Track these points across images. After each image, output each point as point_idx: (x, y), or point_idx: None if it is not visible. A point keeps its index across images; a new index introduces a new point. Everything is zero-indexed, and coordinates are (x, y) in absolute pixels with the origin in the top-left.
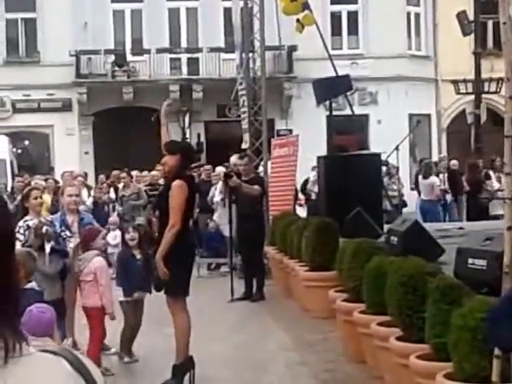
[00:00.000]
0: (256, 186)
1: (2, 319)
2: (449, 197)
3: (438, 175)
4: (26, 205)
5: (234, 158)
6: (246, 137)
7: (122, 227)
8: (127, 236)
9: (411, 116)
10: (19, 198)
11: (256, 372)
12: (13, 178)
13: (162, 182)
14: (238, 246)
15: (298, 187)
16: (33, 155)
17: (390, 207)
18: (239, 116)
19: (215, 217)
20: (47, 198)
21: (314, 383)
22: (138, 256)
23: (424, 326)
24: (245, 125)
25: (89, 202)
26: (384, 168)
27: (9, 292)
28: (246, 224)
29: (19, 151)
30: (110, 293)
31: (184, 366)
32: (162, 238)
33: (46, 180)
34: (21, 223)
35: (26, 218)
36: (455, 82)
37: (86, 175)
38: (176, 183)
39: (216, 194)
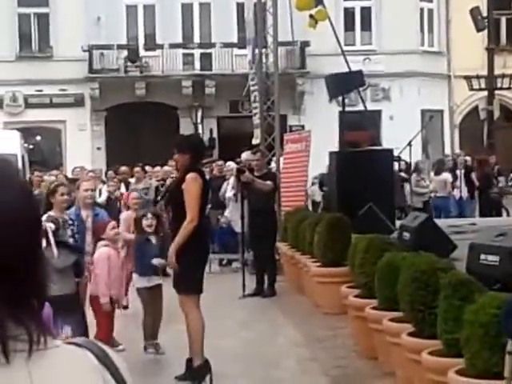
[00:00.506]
0: (268, 182)
1: (26, 312)
2: (464, 193)
3: (451, 171)
4: (51, 200)
5: (245, 154)
6: (257, 132)
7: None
8: (145, 222)
9: (424, 112)
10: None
11: (266, 368)
12: (24, 173)
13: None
14: (250, 242)
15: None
16: (44, 150)
17: (419, 204)
18: (251, 111)
19: (227, 212)
20: None
21: (324, 379)
22: (154, 241)
23: (436, 321)
24: (256, 120)
25: (103, 197)
26: (413, 164)
27: (35, 284)
28: (258, 219)
29: (31, 146)
30: (108, 284)
31: (202, 369)
32: (175, 233)
33: (56, 176)
34: (44, 218)
35: (50, 213)
36: (468, 78)
37: (101, 171)
38: (190, 175)
39: (228, 189)
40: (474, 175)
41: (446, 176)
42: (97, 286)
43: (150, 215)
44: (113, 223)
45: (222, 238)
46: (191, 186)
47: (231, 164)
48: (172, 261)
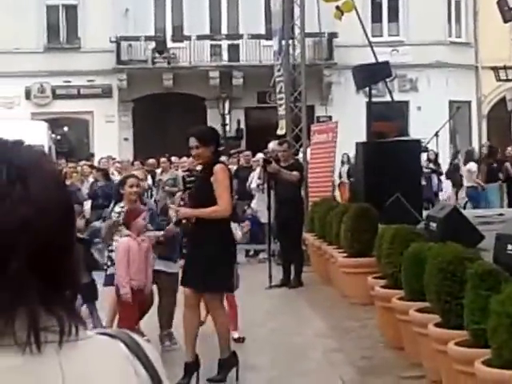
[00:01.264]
0: (295, 172)
1: (59, 302)
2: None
3: (477, 162)
4: (121, 191)
5: (272, 144)
6: (283, 123)
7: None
8: (171, 212)
9: (451, 103)
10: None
11: (293, 358)
12: None
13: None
14: (276, 233)
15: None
16: (72, 141)
17: None
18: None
19: (253, 203)
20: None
21: (351, 370)
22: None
23: (463, 312)
24: (282, 111)
25: None
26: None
27: (68, 274)
28: (285, 210)
29: (58, 137)
30: (127, 274)
31: (229, 361)
32: (199, 230)
33: (81, 166)
34: (117, 208)
35: (121, 204)
36: (495, 69)
37: (128, 162)
38: (220, 166)
39: (254, 179)
40: (509, 165)
41: (470, 166)
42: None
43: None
44: (144, 214)
45: (249, 229)
46: (222, 176)
47: (259, 156)
48: (185, 210)
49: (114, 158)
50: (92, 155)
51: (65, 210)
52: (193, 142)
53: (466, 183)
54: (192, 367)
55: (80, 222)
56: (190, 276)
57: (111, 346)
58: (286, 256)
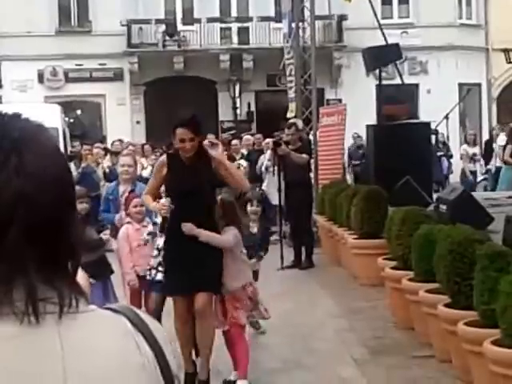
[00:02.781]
0: (304, 155)
1: (59, 274)
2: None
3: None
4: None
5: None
6: (292, 106)
7: None
8: None
9: (461, 85)
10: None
11: (305, 338)
12: (65, 147)
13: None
14: (287, 214)
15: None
16: (85, 124)
17: None
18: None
19: (264, 185)
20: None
21: (362, 350)
22: None
23: (472, 292)
24: (291, 94)
25: (148, 170)
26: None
27: (68, 247)
28: (294, 192)
29: (71, 120)
30: (130, 261)
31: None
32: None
33: (95, 148)
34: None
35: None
36: (506, 51)
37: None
38: (219, 150)
39: (265, 162)
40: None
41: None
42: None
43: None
44: (136, 201)
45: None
46: (225, 157)
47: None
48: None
49: (122, 141)
50: (104, 137)
51: (62, 182)
52: (186, 133)
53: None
54: (192, 377)
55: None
56: (199, 280)
57: (113, 321)
58: (297, 238)
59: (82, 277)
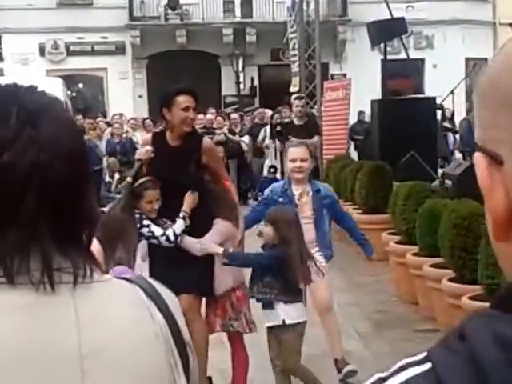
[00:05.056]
0: (315, 138)
1: (73, 245)
2: None
3: None
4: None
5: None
6: (296, 80)
7: None
8: None
9: (468, 60)
10: None
11: (309, 312)
12: None
13: (215, 126)
14: None
15: None
16: (87, 98)
17: None
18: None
19: (267, 160)
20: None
21: (366, 324)
22: None
23: (477, 267)
24: (294, 68)
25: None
26: None
27: (83, 218)
28: None
29: (73, 94)
30: None
31: None
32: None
33: (96, 123)
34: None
35: None
36: None
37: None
38: (212, 143)
39: (267, 137)
40: None
41: None
42: None
43: None
44: None
45: (266, 187)
46: (218, 152)
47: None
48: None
49: (122, 115)
50: (104, 112)
51: (77, 153)
52: (190, 101)
53: None
54: None
55: None
56: (183, 280)
57: (127, 290)
58: None
59: (95, 246)
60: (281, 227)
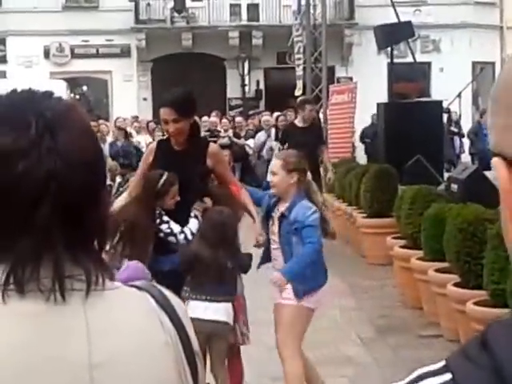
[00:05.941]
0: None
1: (85, 252)
2: None
3: None
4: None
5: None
6: (300, 84)
7: None
8: None
9: (475, 64)
10: None
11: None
12: None
13: (219, 128)
14: None
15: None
16: (91, 101)
17: None
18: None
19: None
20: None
21: (369, 328)
22: None
23: (482, 272)
24: (299, 72)
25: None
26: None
27: (96, 225)
28: None
29: (77, 97)
30: None
31: None
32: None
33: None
34: None
35: None
36: None
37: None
38: (218, 147)
39: (273, 144)
40: None
41: None
42: None
43: None
44: None
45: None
46: (224, 158)
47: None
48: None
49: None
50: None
51: (93, 162)
52: (169, 114)
53: None
54: None
55: None
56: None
57: (138, 298)
58: None
59: None
60: (209, 222)
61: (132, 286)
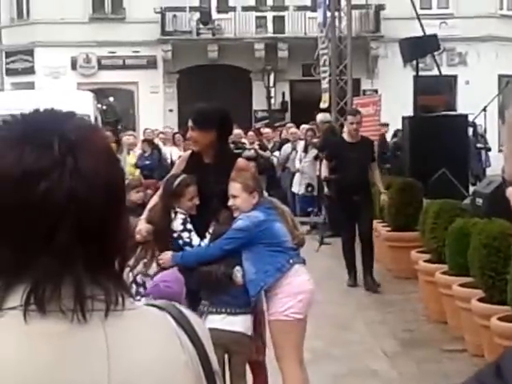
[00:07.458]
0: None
1: (105, 273)
2: None
3: None
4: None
5: (321, 115)
6: (326, 96)
7: None
8: None
9: (501, 77)
10: None
11: (336, 329)
12: None
13: (244, 141)
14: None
15: None
16: (117, 112)
17: None
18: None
19: (297, 176)
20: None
21: (393, 342)
22: None
23: (506, 287)
24: (325, 84)
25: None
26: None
27: (116, 247)
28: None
29: (104, 107)
30: None
31: None
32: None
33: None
34: None
35: None
36: None
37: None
38: (246, 162)
39: (302, 156)
40: None
41: None
42: None
43: None
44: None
45: (305, 205)
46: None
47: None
48: None
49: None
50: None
51: (114, 184)
52: (190, 122)
53: None
54: None
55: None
56: None
57: (158, 318)
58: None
59: None
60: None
61: (152, 305)
